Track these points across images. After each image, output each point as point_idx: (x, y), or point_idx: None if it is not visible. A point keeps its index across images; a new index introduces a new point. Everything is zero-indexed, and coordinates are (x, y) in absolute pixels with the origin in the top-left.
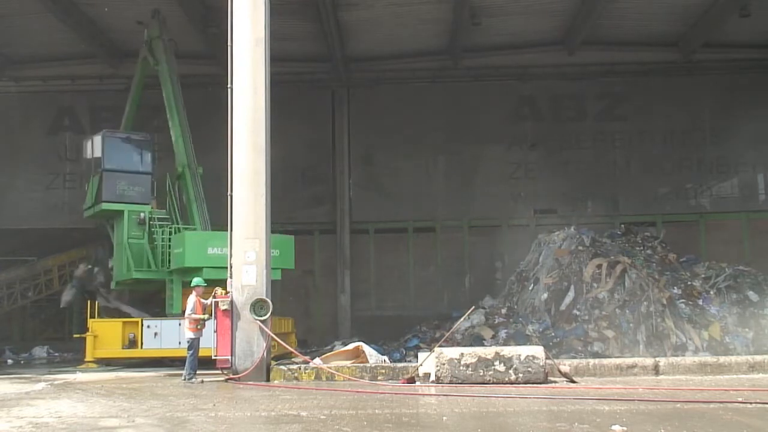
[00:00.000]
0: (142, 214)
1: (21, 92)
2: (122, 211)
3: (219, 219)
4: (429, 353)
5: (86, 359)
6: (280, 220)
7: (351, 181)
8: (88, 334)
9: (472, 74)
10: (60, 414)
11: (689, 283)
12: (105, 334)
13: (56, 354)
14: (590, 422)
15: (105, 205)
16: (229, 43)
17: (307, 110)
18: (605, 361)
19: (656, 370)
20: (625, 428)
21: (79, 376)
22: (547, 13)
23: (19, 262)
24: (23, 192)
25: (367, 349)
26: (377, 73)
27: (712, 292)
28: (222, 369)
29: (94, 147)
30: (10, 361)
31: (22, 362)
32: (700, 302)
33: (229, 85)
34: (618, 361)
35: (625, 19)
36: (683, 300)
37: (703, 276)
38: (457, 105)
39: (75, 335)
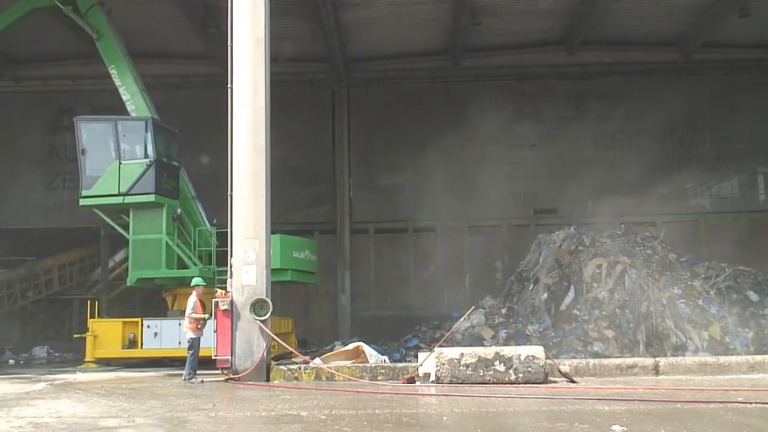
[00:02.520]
0: (179, 210)
1: (21, 92)
2: (162, 205)
3: (219, 219)
4: (429, 353)
5: (86, 359)
6: (279, 220)
7: (351, 181)
8: (88, 334)
9: (472, 74)
10: (60, 414)
11: (689, 283)
12: (105, 334)
13: (56, 354)
14: (590, 422)
15: (156, 198)
16: (229, 43)
17: (307, 110)
18: (605, 361)
19: (656, 370)
20: (625, 428)
21: (79, 376)
22: (547, 13)
23: (19, 262)
24: (23, 192)
25: (367, 349)
26: (377, 73)
27: (712, 292)
28: (222, 369)
29: (130, 132)
30: (11, 362)
31: (21, 362)
32: (700, 302)
33: (229, 85)
34: (618, 361)
35: (625, 19)
36: (683, 300)
37: (703, 276)
38: (457, 105)
39: (75, 335)
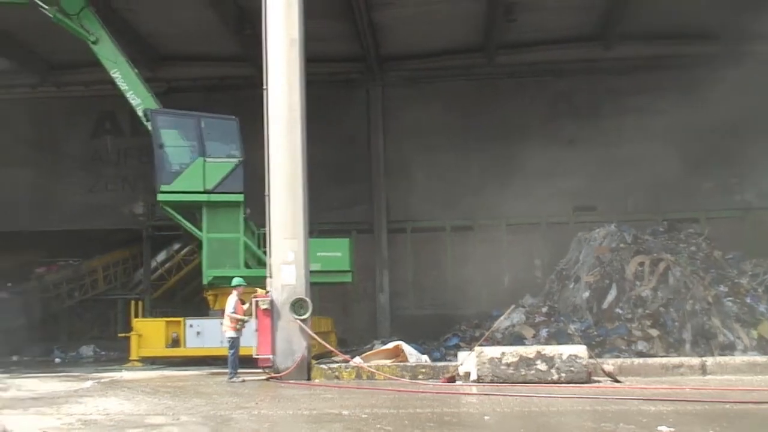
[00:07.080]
0: (248, 210)
1: (63, 97)
2: (240, 204)
3: (257, 219)
4: (469, 352)
5: (131, 358)
6: (317, 219)
7: (387, 180)
8: (132, 333)
9: (506, 71)
10: (107, 411)
11: (736, 280)
12: (149, 333)
13: (102, 353)
14: (636, 423)
15: (243, 197)
16: (263, 45)
17: (342, 109)
18: (650, 360)
19: (703, 369)
20: (672, 429)
21: (124, 375)
22: (583, 7)
23: (63, 263)
24: (67, 195)
25: (407, 348)
26: (411, 72)
27: (759, 290)
28: (263, 368)
29: (214, 129)
30: (57, 360)
31: (66, 361)
32: (748, 300)
33: (264, 87)
34: (663, 360)
35: (663, 11)
36: (730, 298)
37: (750, 273)
38: (493, 102)
39: (120, 334)
